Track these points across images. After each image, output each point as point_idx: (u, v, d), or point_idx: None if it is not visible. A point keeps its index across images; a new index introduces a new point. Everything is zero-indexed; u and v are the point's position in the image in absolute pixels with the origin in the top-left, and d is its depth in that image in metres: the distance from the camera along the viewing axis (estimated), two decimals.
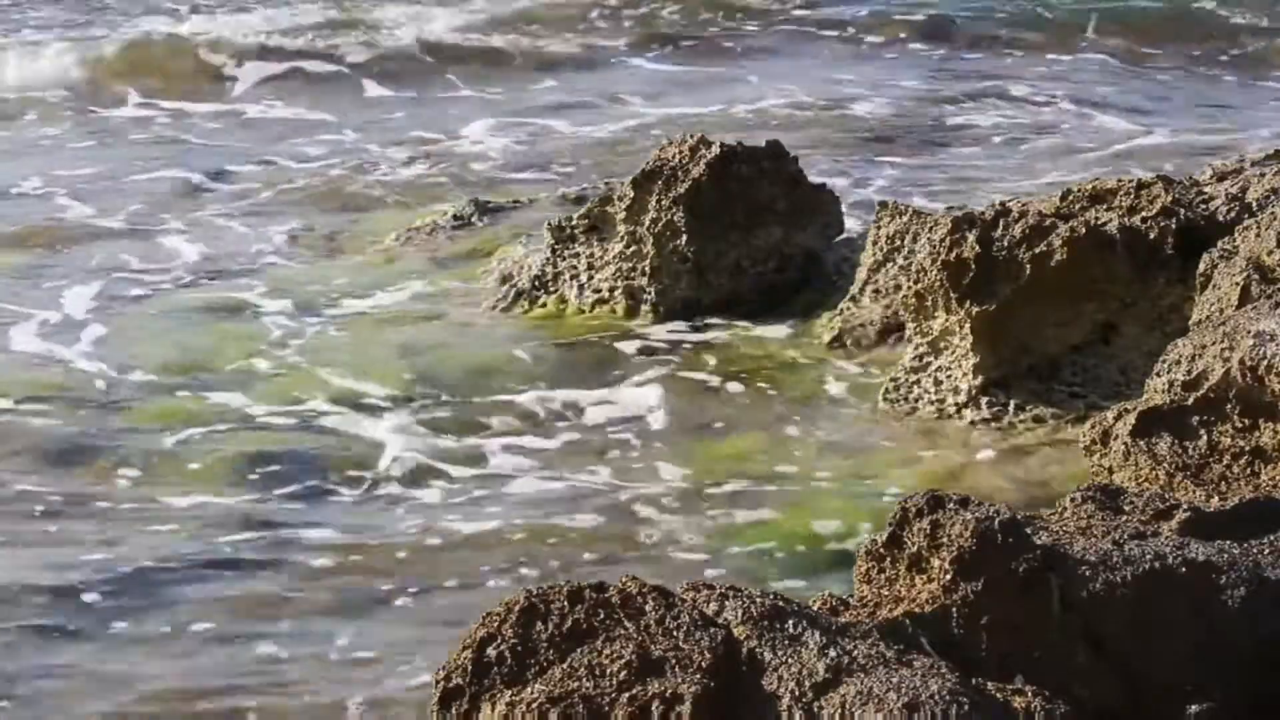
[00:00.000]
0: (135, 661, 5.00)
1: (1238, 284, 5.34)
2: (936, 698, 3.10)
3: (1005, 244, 6.60)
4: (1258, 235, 5.55)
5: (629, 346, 7.50)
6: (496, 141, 10.87)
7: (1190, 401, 4.78)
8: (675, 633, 3.26)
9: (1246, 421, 4.66)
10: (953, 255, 6.64)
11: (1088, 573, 3.44)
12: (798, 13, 14.29)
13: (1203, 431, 4.71)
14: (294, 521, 5.86)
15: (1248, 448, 4.63)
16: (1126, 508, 3.83)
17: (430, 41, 13.39)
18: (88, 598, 5.34)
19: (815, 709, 3.14)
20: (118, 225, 9.24)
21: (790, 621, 3.29)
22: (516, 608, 3.33)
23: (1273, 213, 5.72)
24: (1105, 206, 6.72)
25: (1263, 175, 6.81)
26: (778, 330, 7.62)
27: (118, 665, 4.97)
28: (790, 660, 3.21)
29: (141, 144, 11.00)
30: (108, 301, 8.08)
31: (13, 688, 4.82)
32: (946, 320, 6.74)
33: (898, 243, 7.68)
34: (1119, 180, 6.96)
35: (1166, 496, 3.97)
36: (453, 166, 10.36)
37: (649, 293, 7.85)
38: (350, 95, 12.39)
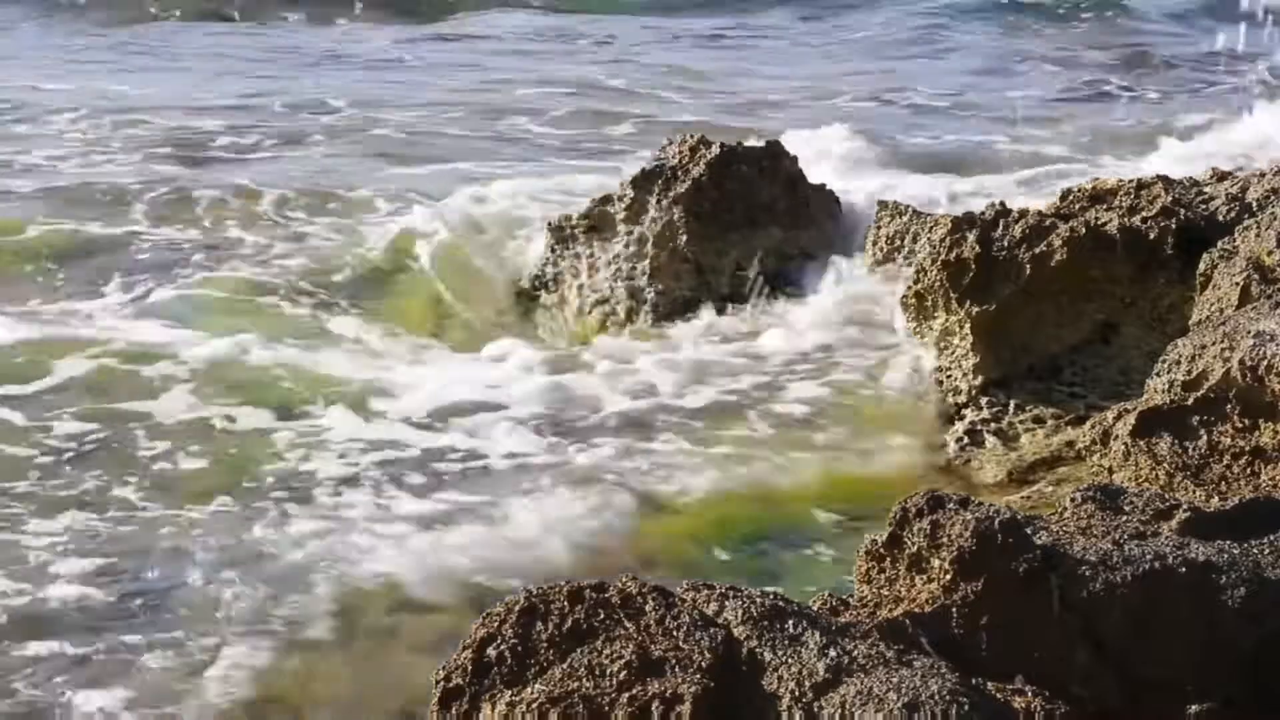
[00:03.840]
0: None
1: (1238, 284, 5.34)
2: (936, 698, 3.10)
3: (1005, 244, 6.60)
4: (1258, 235, 5.55)
5: (624, 353, 7.51)
6: None
7: (1190, 401, 4.77)
8: (675, 633, 3.26)
9: (1246, 421, 4.66)
10: (953, 255, 6.64)
11: (1088, 573, 3.44)
12: None
13: (1203, 431, 4.71)
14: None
15: (1248, 448, 4.63)
16: (1126, 508, 3.83)
17: None
18: None
19: (815, 709, 3.13)
20: None
21: (790, 621, 3.29)
22: (516, 608, 3.32)
23: (1273, 213, 5.72)
24: (1105, 206, 6.72)
25: (1263, 175, 6.81)
26: (776, 331, 7.63)
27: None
28: (790, 660, 3.21)
29: None
30: None
31: None
32: (946, 320, 6.74)
33: (898, 243, 7.69)
34: (1119, 180, 6.96)
35: (1166, 496, 3.96)
36: None
37: (649, 293, 7.85)
38: None
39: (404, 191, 9.65)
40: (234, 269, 8.42)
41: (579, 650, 3.25)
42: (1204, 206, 6.63)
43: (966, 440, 6.50)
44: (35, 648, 5.00)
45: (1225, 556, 3.55)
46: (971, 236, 6.63)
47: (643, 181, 7.99)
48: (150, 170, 10.16)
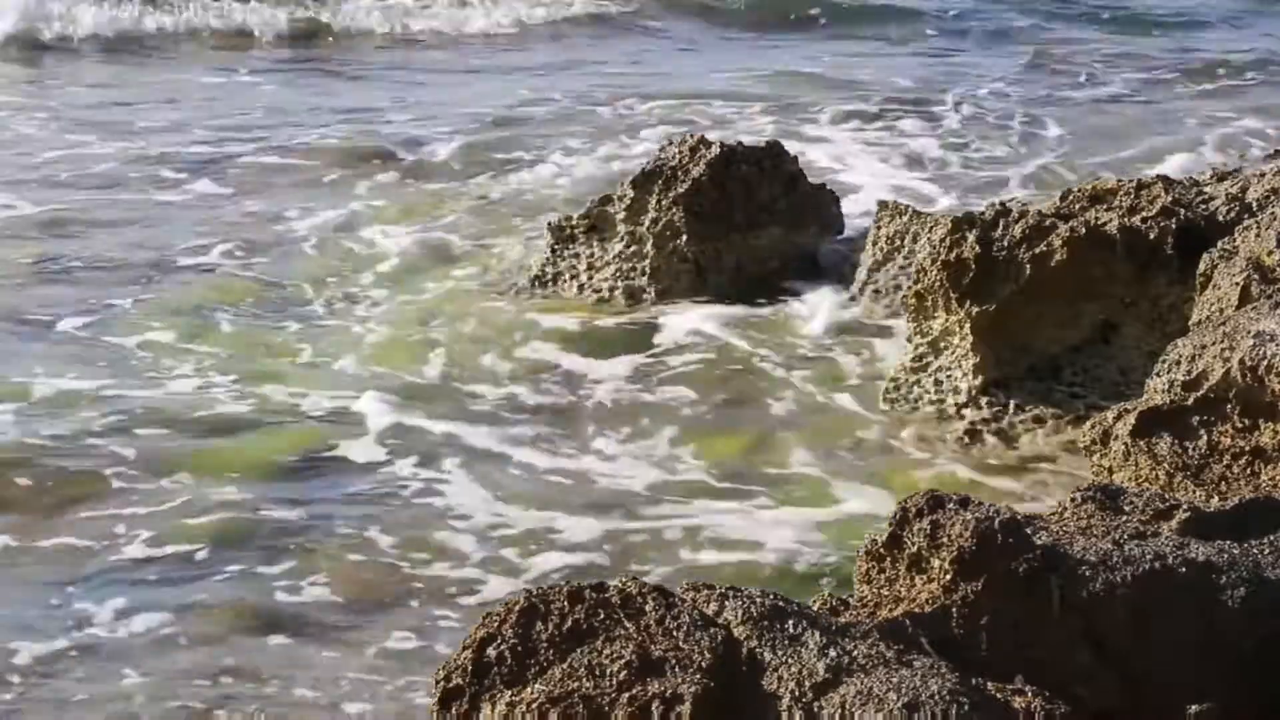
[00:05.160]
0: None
1: (1238, 284, 5.34)
2: (936, 698, 3.10)
3: (1005, 244, 6.60)
4: (1258, 235, 5.55)
5: (629, 341, 7.50)
6: None
7: (1190, 401, 4.77)
8: (675, 633, 3.26)
9: (1246, 421, 4.66)
10: (953, 255, 6.64)
11: (1088, 573, 3.44)
12: None
13: (1203, 431, 4.71)
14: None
15: (1248, 448, 4.63)
16: (1126, 508, 3.83)
17: None
18: None
19: (815, 709, 3.13)
20: None
21: (790, 621, 3.29)
22: (516, 608, 3.32)
23: (1273, 213, 5.72)
24: (1105, 206, 6.72)
25: (1263, 175, 6.81)
26: (776, 330, 7.63)
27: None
28: (790, 660, 3.21)
29: None
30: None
31: None
32: (946, 320, 6.74)
33: (898, 243, 7.69)
34: (1119, 180, 6.96)
35: (1166, 496, 3.96)
36: None
37: (649, 293, 7.85)
38: None
39: None
40: None
41: (579, 650, 3.25)
42: (1204, 206, 6.62)
43: (966, 440, 6.50)
44: None
45: (1225, 556, 3.56)
46: (971, 236, 6.63)
47: (643, 181, 7.99)
48: None
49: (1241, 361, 4.68)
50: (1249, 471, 4.58)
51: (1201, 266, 5.66)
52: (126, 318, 7.76)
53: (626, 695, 3.17)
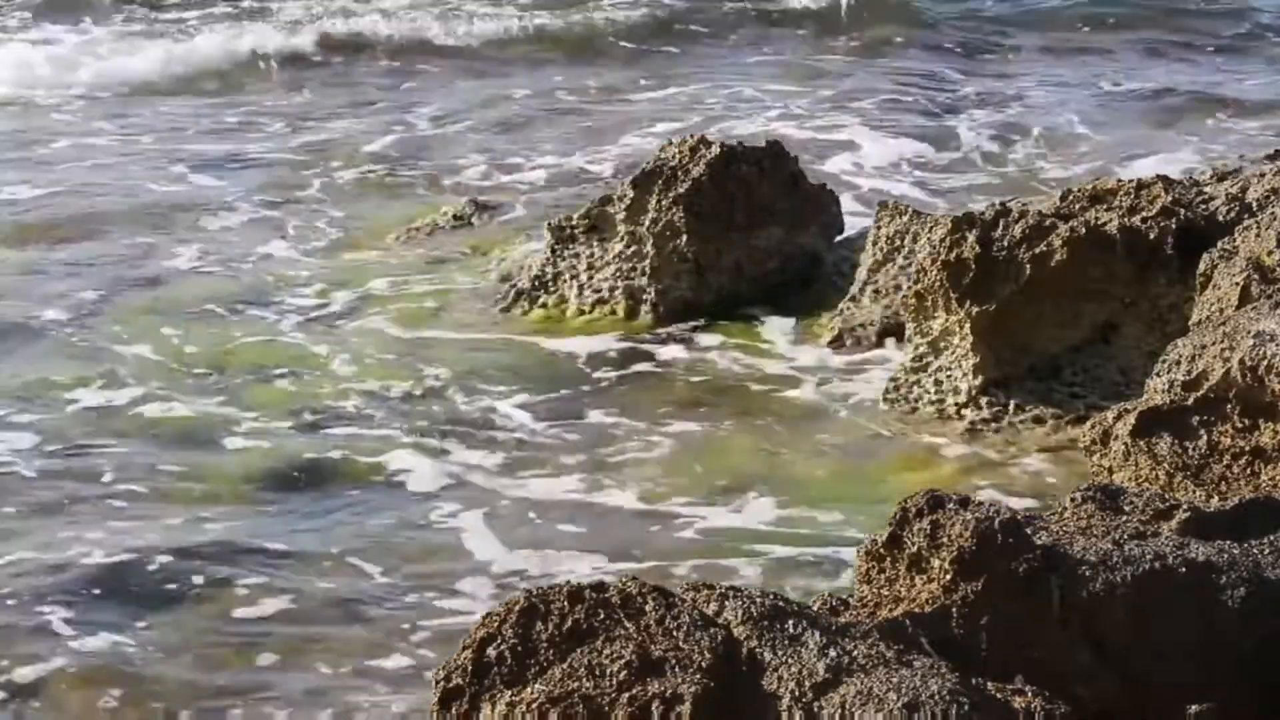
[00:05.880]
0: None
1: (1238, 284, 5.34)
2: (936, 698, 3.10)
3: (1005, 244, 6.60)
4: (1258, 235, 5.55)
5: (627, 350, 7.49)
6: None
7: (1190, 401, 4.77)
8: (675, 633, 3.26)
9: (1246, 421, 4.66)
10: (953, 255, 6.64)
11: (1088, 573, 3.44)
12: None
13: (1203, 431, 4.71)
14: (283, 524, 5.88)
15: (1248, 448, 4.63)
16: (1126, 508, 3.83)
17: None
18: None
19: (815, 709, 3.14)
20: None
21: (790, 621, 3.29)
22: (516, 608, 3.32)
23: (1273, 213, 5.72)
24: (1105, 206, 6.72)
25: (1263, 175, 6.81)
26: (777, 332, 7.63)
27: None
28: (790, 660, 3.21)
29: None
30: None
31: None
32: (946, 320, 6.74)
33: (898, 243, 7.69)
34: (1119, 180, 6.96)
35: (1166, 496, 3.96)
36: None
37: (649, 293, 7.85)
38: None
39: None
40: None
41: (579, 650, 3.25)
42: (1204, 206, 6.62)
43: (967, 440, 6.50)
44: None
45: (1225, 556, 3.56)
46: (971, 236, 6.63)
47: (643, 181, 7.98)
48: None
49: (1241, 361, 4.68)
50: (1249, 471, 4.59)
51: (1201, 266, 5.66)
52: (114, 320, 7.76)
53: (626, 695, 3.17)
